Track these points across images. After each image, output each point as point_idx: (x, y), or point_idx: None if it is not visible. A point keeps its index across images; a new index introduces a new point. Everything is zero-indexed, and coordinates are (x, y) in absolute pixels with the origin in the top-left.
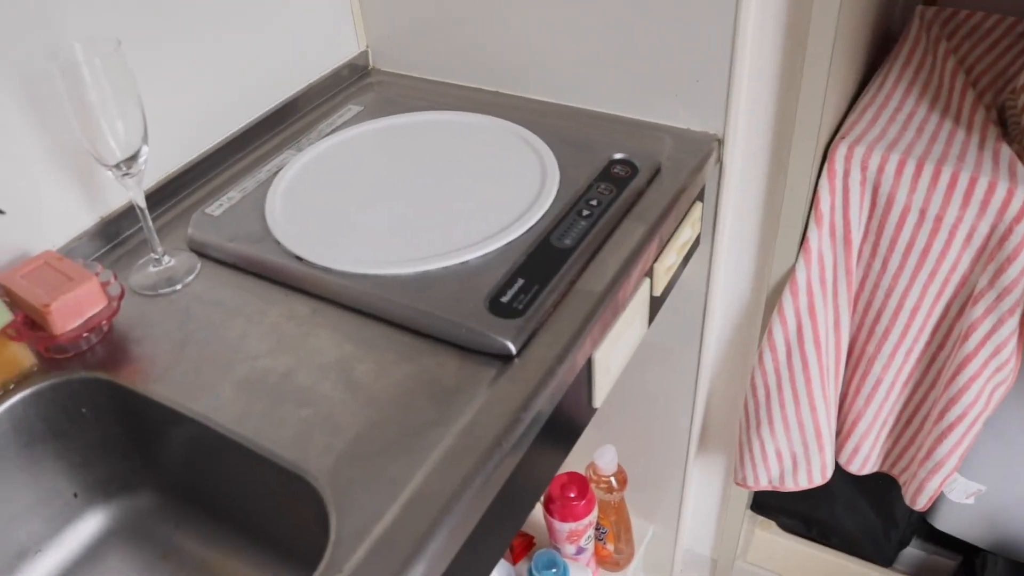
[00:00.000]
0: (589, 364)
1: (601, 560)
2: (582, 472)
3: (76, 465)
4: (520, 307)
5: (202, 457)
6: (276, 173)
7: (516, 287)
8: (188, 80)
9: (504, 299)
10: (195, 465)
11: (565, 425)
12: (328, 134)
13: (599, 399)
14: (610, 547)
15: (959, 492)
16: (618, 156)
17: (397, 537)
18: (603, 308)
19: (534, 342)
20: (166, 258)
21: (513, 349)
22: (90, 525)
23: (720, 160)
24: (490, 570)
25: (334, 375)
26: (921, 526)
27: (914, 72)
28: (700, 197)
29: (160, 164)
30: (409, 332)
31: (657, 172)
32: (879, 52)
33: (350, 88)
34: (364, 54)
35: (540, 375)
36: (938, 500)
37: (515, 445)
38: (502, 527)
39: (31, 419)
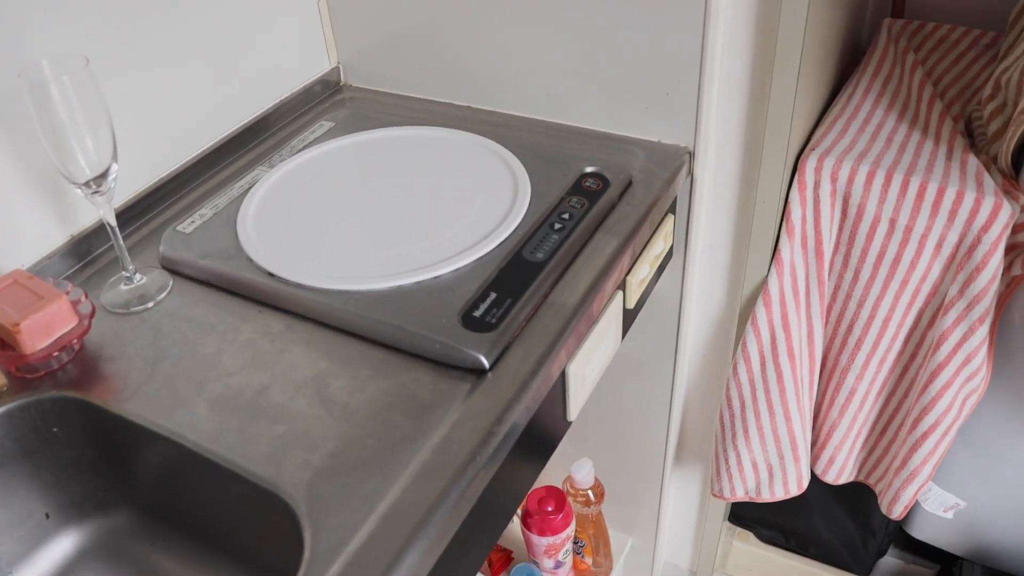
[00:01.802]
0: (563, 377)
1: (580, 574)
2: (559, 486)
3: (48, 485)
4: (493, 321)
5: (176, 475)
6: (248, 190)
7: (489, 301)
8: (158, 97)
9: (477, 313)
10: (170, 483)
11: (540, 438)
12: (300, 150)
13: (574, 412)
14: (588, 561)
15: (935, 502)
16: (589, 169)
17: (372, 552)
18: (576, 321)
19: (507, 356)
20: (138, 276)
21: (486, 363)
22: (63, 546)
23: (691, 172)
24: None
25: (309, 391)
26: (898, 535)
27: (882, 84)
28: (672, 210)
29: (131, 182)
30: (383, 347)
31: (629, 185)
32: (848, 64)
33: (322, 104)
34: (336, 70)
35: (514, 389)
36: (914, 509)
37: (490, 459)
38: (478, 541)
39: (1, 440)
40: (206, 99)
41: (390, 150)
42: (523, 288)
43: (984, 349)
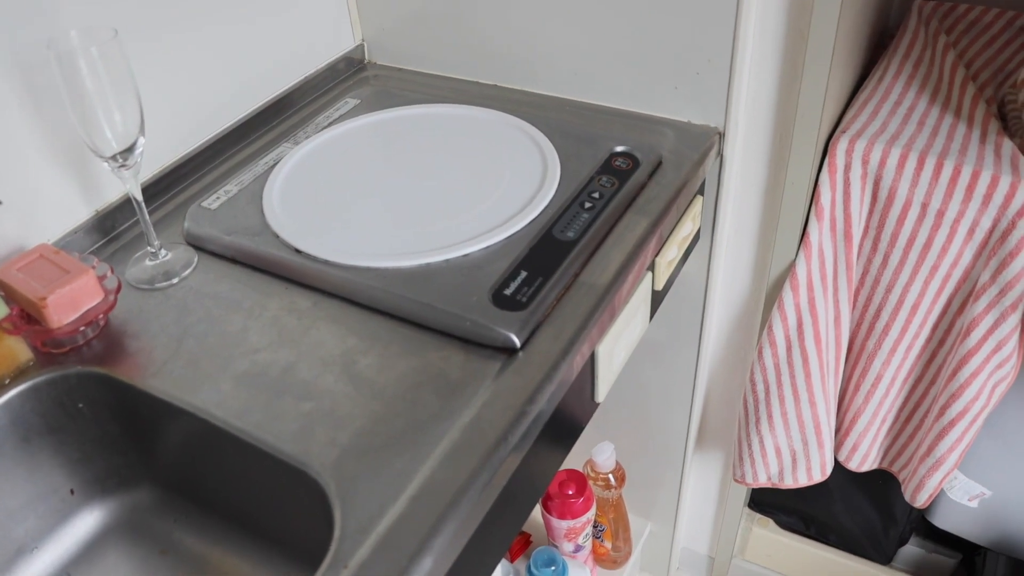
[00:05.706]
0: (592, 358)
1: (599, 558)
2: (580, 469)
3: (73, 461)
4: (524, 300)
5: (201, 452)
6: (273, 166)
7: (519, 280)
8: (184, 73)
9: (507, 292)
10: (194, 460)
11: (568, 420)
12: (325, 127)
13: (602, 394)
14: (608, 545)
15: (960, 491)
16: (619, 149)
17: (403, 532)
18: (607, 301)
19: (538, 335)
20: (163, 252)
21: (517, 342)
22: (87, 521)
23: (721, 154)
24: (494, 566)
25: (337, 369)
26: (921, 523)
27: (913, 66)
28: (701, 191)
29: (156, 157)
30: (412, 325)
31: (659, 165)
32: (876, 46)
33: (347, 82)
34: (360, 47)
35: (545, 369)
36: (938, 498)
37: (520, 440)
38: (506, 523)
39: (27, 414)
40: (230, 75)
41: (416, 128)
42: (554, 267)
43: (1016, 336)
